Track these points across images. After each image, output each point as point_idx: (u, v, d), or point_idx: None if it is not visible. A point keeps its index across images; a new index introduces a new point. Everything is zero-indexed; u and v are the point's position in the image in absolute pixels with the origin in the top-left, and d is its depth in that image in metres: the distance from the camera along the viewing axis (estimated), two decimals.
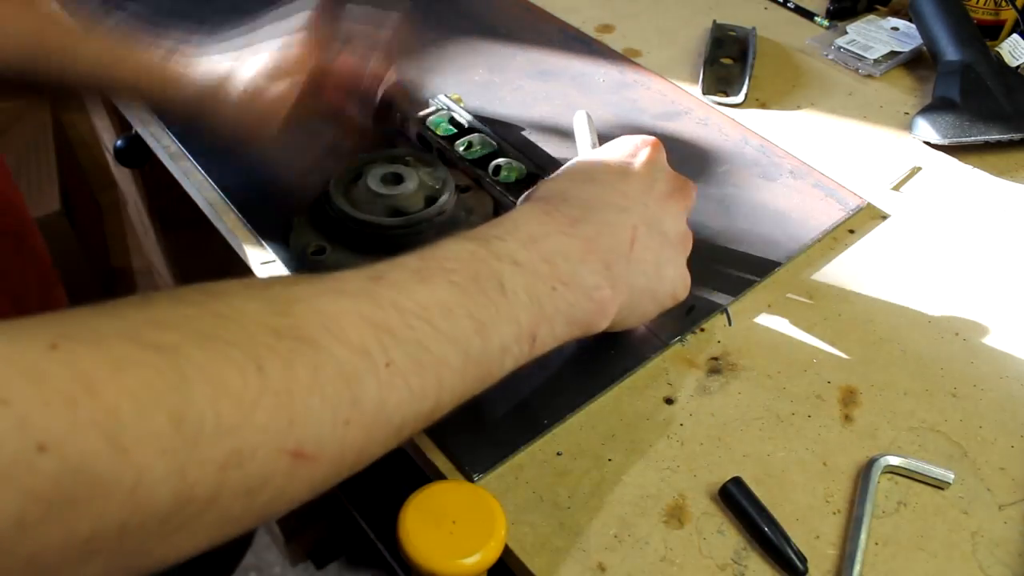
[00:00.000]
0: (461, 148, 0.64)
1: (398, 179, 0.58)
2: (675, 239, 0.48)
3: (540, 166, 0.62)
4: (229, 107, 0.55)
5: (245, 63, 0.56)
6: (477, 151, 0.64)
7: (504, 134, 0.66)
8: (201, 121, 0.56)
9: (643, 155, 0.48)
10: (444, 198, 0.57)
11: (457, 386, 0.37)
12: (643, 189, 0.47)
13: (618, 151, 0.49)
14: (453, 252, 0.39)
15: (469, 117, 0.66)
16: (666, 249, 0.47)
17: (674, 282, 0.49)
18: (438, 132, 0.65)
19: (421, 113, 0.67)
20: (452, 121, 0.67)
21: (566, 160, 0.67)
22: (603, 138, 0.69)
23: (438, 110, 0.68)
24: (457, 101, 0.69)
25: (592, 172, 0.47)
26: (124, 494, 0.24)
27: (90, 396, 0.24)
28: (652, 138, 0.51)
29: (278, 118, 0.56)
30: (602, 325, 0.44)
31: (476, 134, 0.65)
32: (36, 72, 0.54)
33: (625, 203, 0.45)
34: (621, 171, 0.47)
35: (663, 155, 0.50)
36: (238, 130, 0.56)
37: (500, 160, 0.63)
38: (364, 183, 0.58)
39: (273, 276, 0.34)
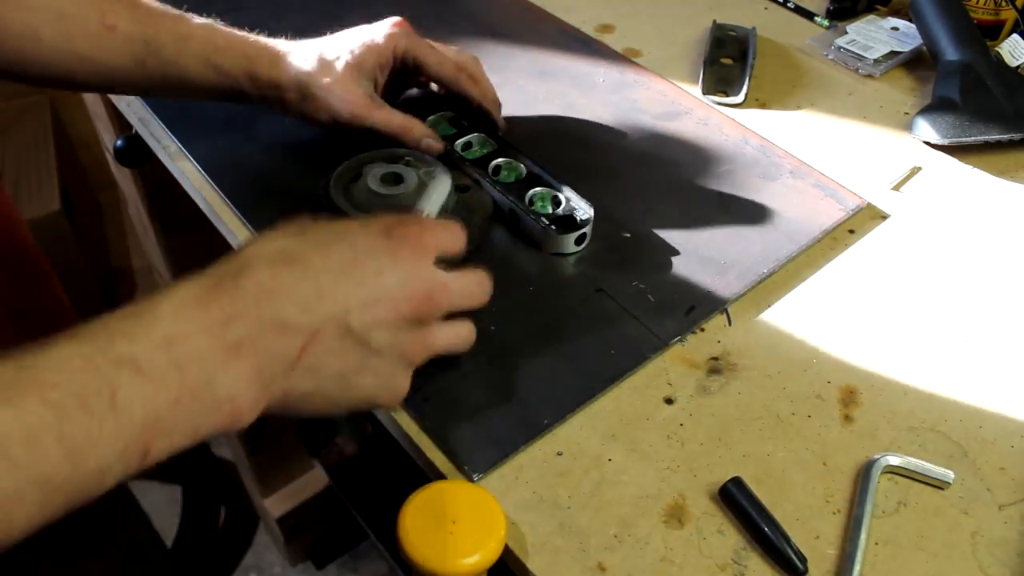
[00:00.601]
0: (461, 148, 0.64)
1: (398, 179, 0.58)
2: (388, 351, 0.42)
3: (540, 166, 0.62)
4: (332, 85, 0.59)
5: (339, 46, 0.60)
6: (477, 151, 0.64)
7: (504, 134, 0.66)
8: (305, 104, 0.60)
9: (387, 252, 0.42)
10: (445, 199, 0.57)
11: (35, 516, 0.32)
12: (356, 292, 0.40)
13: (365, 229, 0.43)
14: (60, 359, 0.33)
15: (473, 127, 0.66)
16: (367, 359, 0.42)
17: (372, 391, 0.43)
18: (438, 132, 0.65)
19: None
20: (452, 121, 0.67)
21: (565, 159, 0.67)
22: (605, 138, 0.70)
23: (440, 112, 0.68)
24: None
25: (306, 250, 0.41)
26: None
27: None
28: (426, 225, 0.44)
29: (370, 103, 0.60)
30: (234, 430, 0.38)
31: (476, 134, 0.65)
32: (147, 65, 0.57)
33: (315, 303, 0.39)
34: (340, 262, 0.41)
35: (424, 255, 0.43)
36: (340, 108, 0.59)
37: (500, 160, 0.63)
38: (363, 183, 0.58)
39: None
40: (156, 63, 0.57)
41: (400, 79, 0.66)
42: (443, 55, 0.63)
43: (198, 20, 0.59)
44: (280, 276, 0.39)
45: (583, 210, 0.59)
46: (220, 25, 0.60)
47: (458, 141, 0.65)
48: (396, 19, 0.63)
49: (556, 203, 0.61)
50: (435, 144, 0.62)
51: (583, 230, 0.59)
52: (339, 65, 0.60)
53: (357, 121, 0.60)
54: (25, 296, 0.63)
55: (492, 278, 0.48)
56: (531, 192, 0.61)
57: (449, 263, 0.46)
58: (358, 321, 0.40)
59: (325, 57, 0.60)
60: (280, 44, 0.61)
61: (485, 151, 0.64)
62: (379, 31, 0.62)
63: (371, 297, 0.40)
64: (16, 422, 0.31)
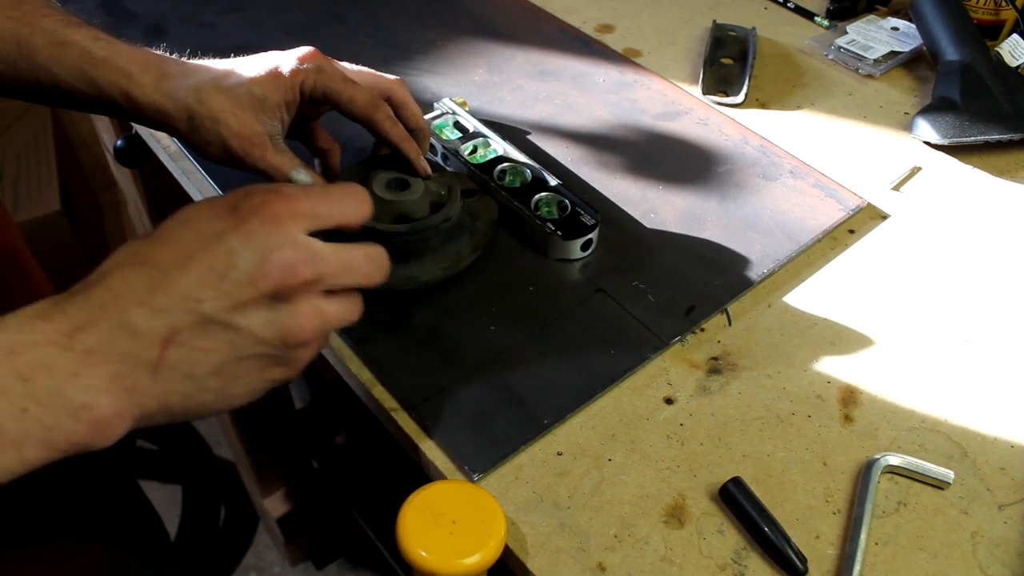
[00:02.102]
0: (466, 152, 0.64)
1: (403, 185, 0.57)
2: (264, 331, 0.39)
3: (545, 170, 0.62)
4: (227, 117, 0.52)
5: (241, 73, 0.53)
6: (481, 156, 0.64)
7: (508, 138, 0.65)
8: (195, 134, 0.53)
9: (234, 228, 0.39)
10: (450, 204, 0.56)
11: None
12: (206, 279, 0.38)
13: (209, 210, 0.40)
14: None
15: (474, 121, 0.66)
16: (244, 346, 0.39)
17: (267, 376, 0.41)
18: (443, 136, 0.65)
19: (425, 117, 0.67)
20: (457, 125, 0.67)
21: (569, 163, 0.67)
22: (605, 138, 0.70)
23: (442, 114, 0.68)
24: (462, 105, 0.69)
25: (155, 248, 0.39)
26: None
27: None
28: (281, 192, 0.40)
29: (265, 142, 0.53)
30: (105, 443, 0.37)
31: (481, 138, 0.65)
32: (18, 68, 0.52)
33: (165, 301, 0.37)
34: (186, 251, 0.38)
35: (280, 224, 0.39)
36: (233, 144, 0.52)
37: (505, 165, 0.63)
38: (369, 188, 0.57)
39: None
40: (28, 67, 0.52)
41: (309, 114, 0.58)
42: (355, 91, 0.54)
43: (83, 26, 0.53)
44: (128, 280, 0.37)
45: (589, 215, 0.59)
46: (106, 34, 0.53)
47: (463, 146, 0.64)
48: (306, 50, 0.55)
49: (562, 208, 0.60)
50: None
51: (589, 236, 0.58)
52: (239, 95, 0.52)
53: (249, 161, 0.53)
54: (4, 295, 0.62)
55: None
56: (536, 197, 0.61)
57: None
58: (214, 308, 0.37)
59: (224, 84, 0.52)
60: (172, 63, 0.53)
61: (490, 155, 0.64)
62: (286, 63, 0.53)
63: (225, 281, 0.38)
64: None
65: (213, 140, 0.52)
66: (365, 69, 0.58)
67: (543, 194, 0.61)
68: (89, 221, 1.62)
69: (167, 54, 0.55)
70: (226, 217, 0.39)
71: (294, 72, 0.53)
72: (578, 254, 0.59)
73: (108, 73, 0.52)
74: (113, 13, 0.82)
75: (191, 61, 0.54)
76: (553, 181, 0.61)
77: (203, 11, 0.82)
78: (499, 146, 0.64)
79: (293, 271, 0.39)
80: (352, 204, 0.43)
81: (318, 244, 0.40)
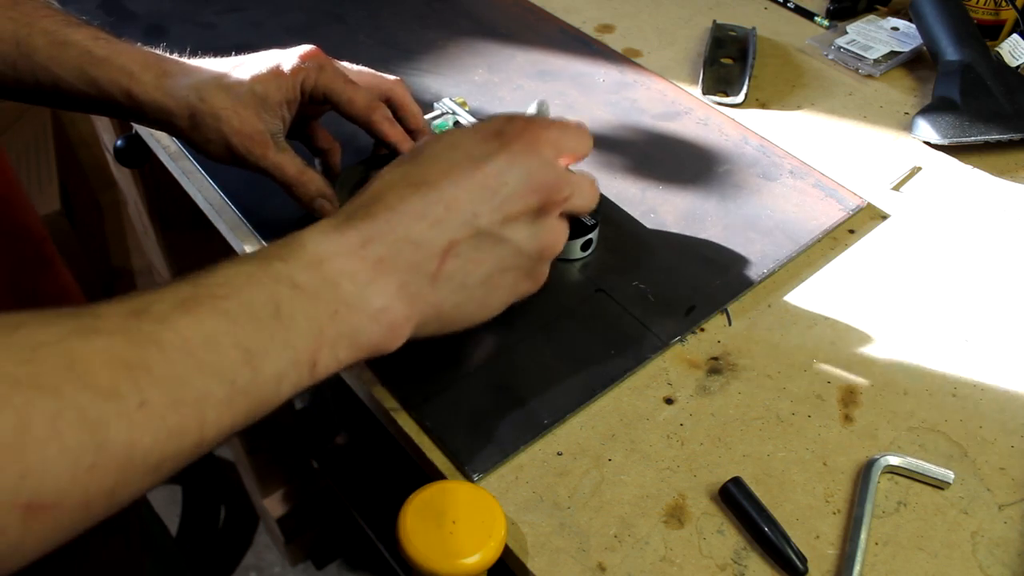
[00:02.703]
0: None
1: None
2: (527, 243, 0.43)
3: None
4: (228, 115, 0.52)
5: (243, 71, 0.53)
6: None
7: None
8: (196, 132, 0.53)
9: (501, 150, 0.42)
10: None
11: (224, 419, 0.34)
12: (481, 196, 0.42)
13: (476, 134, 0.44)
14: (227, 276, 0.36)
15: (474, 121, 0.66)
16: (508, 256, 0.43)
17: (516, 286, 0.45)
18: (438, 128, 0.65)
19: (426, 117, 0.67)
20: (457, 125, 0.67)
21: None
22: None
23: (443, 114, 0.68)
24: (462, 105, 0.69)
25: (426, 169, 0.42)
26: None
27: None
28: (536, 121, 0.44)
29: (267, 140, 0.53)
30: (394, 346, 0.41)
31: None
32: (18, 68, 0.52)
33: (444, 215, 0.41)
34: (460, 171, 0.42)
35: (538, 148, 0.43)
36: (235, 142, 0.53)
37: None
38: None
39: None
40: (27, 68, 0.52)
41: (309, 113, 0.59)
42: (354, 92, 0.54)
43: (83, 26, 0.53)
44: (407, 199, 0.41)
45: (588, 215, 0.59)
46: (106, 33, 0.53)
47: None
48: (308, 48, 0.55)
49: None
50: (328, 207, 0.55)
51: (589, 236, 0.58)
52: (240, 93, 0.53)
53: (251, 159, 0.53)
54: (27, 279, 0.62)
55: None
56: None
57: None
58: (488, 222, 0.42)
59: (225, 82, 0.53)
60: (173, 62, 0.54)
61: None
62: (287, 61, 0.54)
63: (497, 197, 0.42)
64: (196, 328, 0.34)
65: (215, 138, 0.53)
66: (365, 69, 0.59)
67: None
68: (89, 221, 1.62)
69: (167, 53, 0.54)
70: (491, 140, 0.43)
71: (295, 70, 0.53)
72: (578, 254, 0.59)
73: (109, 72, 0.52)
74: (113, 13, 0.82)
75: (191, 60, 0.54)
76: None
77: (203, 11, 0.82)
78: None
79: (556, 189, 0.43)
80: (584, 139, 0.47)
81: (563, 167, 0.45)
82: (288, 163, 0.54)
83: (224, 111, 0.52)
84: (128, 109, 0.53)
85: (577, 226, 0.58)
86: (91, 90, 0.53)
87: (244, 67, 0.53)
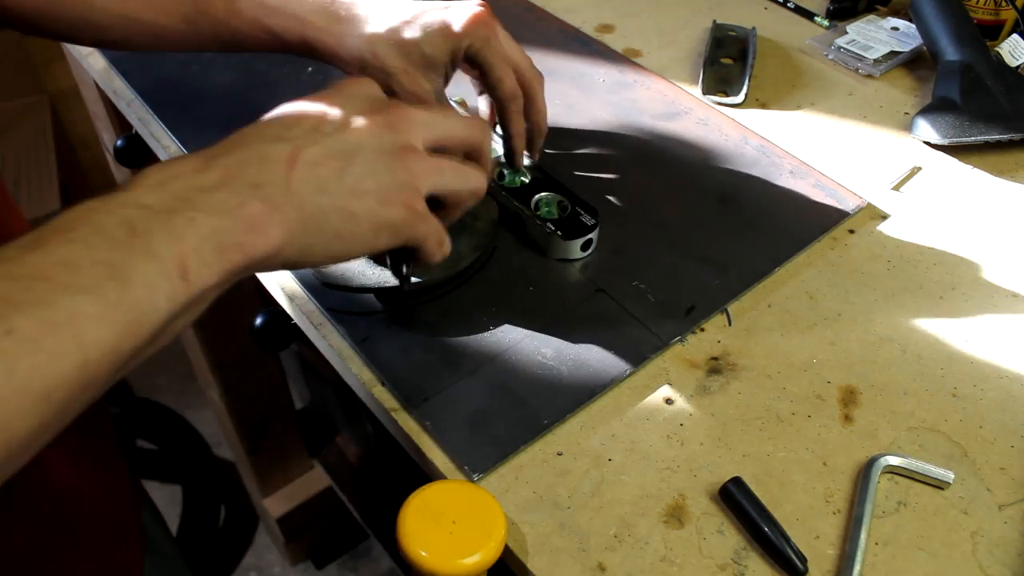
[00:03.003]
0: None
1: None
2: (376, 152, 0.43)
3: (543, 171, 0.62)
4: (399, 75, 0.54)
5: (414, 26, 0.54)
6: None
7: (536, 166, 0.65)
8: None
9: (335, 90, 0.45)
10: None
11: (105, 336, 0.33)
12: (317, 119, 0.43)
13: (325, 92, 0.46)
14: (69, 215, 0.36)
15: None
16: (360, 165, 0.43)
17: (382, 195, 0.44)
18: None
19: None
20: None
21: (565, 160, 0.67)
22: (605, 138, 0.70)
23: None
24: (461, 104, 0.69)
25: (273, 117, 0.44)
26: None
27: None
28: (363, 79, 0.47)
29: (432, 101, 0.55)
30: (262, 244, 0.39)
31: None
32: (198, 25, 0.55)
33: (284, 133, 0.42)
34: (298, 107, 0.44)
35: (370, 86, 0.46)
36: (400, 98, 0.53)
37: (504, 167, 0.63)
38: None
39: None
40: (207, 23, 0.55)
41: None
42: (506, 74, 0.56)
43: None
44: (258, 126, 0.42)
45: (588, 215, 0.59)
46: None
47: None
48: (478, 9, 0.55)
49: (562, 208, 0.60)
50: (520, 159, 0.59)
51: (589, 236, 0.58)
52: (411, 52, 0.54)
53: None
54: None
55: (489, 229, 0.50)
56: (537, 197, 0.61)
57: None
58: (331, 126, 0.42)
59: (397, 38, 0.54)
60: (343, 4, 0.55)
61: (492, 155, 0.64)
62: (459, 17, 0.54)
63: (339, 109, 0.43)
64: (48, 257, 0.33)
65: (387, 91, 0.53)
66: (519, 50, 0.59)
67: (543, 194, 0.61)
68: None
69: None
70: (327, 92, 0.45)
71: (464, 35, 0.54)
72: (578, 254, 0.59)
73: (283, 20, 0.55)
74: None
75: (368, 3, 0.55)
76: (553, 181, 0.61)
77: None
78: (499, 146, 0.64)
79: (399, 110, 0.44)
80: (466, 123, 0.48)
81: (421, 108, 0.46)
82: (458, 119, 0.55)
83: (395, 69, 0.54)
84: (306, 54, 0.56)
85: (577, 226, 0.58)
86: (270, 38, 0.55)
87: (415, 23, 0.54)
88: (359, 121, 0.43)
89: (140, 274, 0.35)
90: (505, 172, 0.62)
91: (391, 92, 0.54)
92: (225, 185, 0.39)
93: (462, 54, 0.55)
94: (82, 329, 0.33)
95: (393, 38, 0.54)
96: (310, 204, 0.41)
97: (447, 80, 0.57)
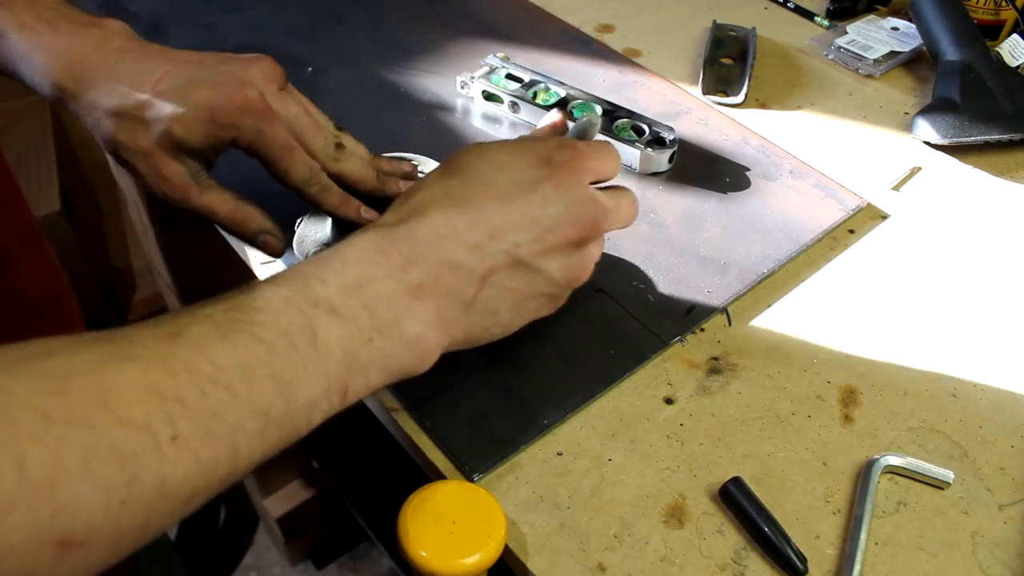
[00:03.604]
0: (531, 98, 0.69)
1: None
2: (558, 273, 0.44)
3: (611, 103, 0.68)
4: (142, 157, 0.48)
5: (171, 97, 0.48)
6: (545, 100, 0.69)
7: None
8: (116, 157, 0.50)
9: (547, 180, 0.42)
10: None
11: (256, 449, 0.34)
12: (524, 225, 0.41)
13: (524, 158, 0.43)
14: (265, 300, 0.36)
15: (527, 70, 0.71)
16: (539, 285, 0.44)
17: (540, 310, 0.46)
18: (505, 87, 0.70)
19: (477, 73, 0.71)
20: (510, 77, 0.71)
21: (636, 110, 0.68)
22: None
23: (493, 69, 0.72)
24: (505, 59, 0.73)
25: (471, 189, 0.42)
26: None
27: None
28: (581, 150, 0.44)
29: (187, 183, 0.50)
30: (422, 369, 0.41)
31: (541, 83, 0.70)
32: None
33: (486, 242, 0.41)
34: (505, 196, 0.41)
35: (582, 179, 0.44)
36: (153, 185, 0.49)
37: (576, 102, 0.68)
38: None
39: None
40: None
41: None
42: (291, 162, 0.50)
43: (17, 9, 0.49)
44: (451, 221, 0.40)
45: (667, 132, 0.66)
46: (35, 17, 0.49)
47: (528, 92, 0.69)
48: (252, 97, 0.48)
49: (638, 132, 0.67)
50: (273, 242, 0.53)
51: (673, 149, 0.65)
52: (157, 132, 0.47)
53: (173, 203, 0.50)
54: (23, 280, 0.62)
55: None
56: (617, 123, 0.67)
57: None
58: (528, 252, 0.42)
59: (144, 115, 0.47)
60: (97, 65, 0.48)
61: (554, 98, 0.69)
62: (224, 110, 0.47)
63: (539, 227, 0.42)
64: (231, 356, 0.33)
65: (133, 172, 0.50)
66: (304, 115, 0.52)
67: (621, 120, 0.67)
68: (89, 221, 1.62)
69: (107, 31, 0.49)
70: (539, 168, 0.43)
71: (228, 126, 0.48)
72: (665, 166, 0.66)
73: (30, 72, 0.49)
74: (113, 13, 0.82)
75: (119, 61, 0.49)
76: (623, 109, 0.68)
77: (203, 11, 0.82)
78: (560, 89, 0.70)
79: (595, 223, 0.44)
80: (615, 162, 0.48)
81: (604, 196, 0.46)
82: (216, 202, 0.50)
83: (139, 151, 0.48)
84: (62, 107, 0.50)
85: (661, 142, 0.65)
86: (26, 83, 0.50)
87: (172, 96, 0.48)
88: (555, 243, 0.43)
89: (306, 392, 0.35)
90: (575, 109, 0.68)
91: (138, 173, 0.49)
92: (411, 307, 0.39)
93: (227, 144, 0.49)
94: (239, 443, 0.33)
95: (141, 115, 0.48)
96: (479, 325, 0.43)
97: (214, 162, 0.51)
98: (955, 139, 0.68)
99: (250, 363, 0.34)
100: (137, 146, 0.48)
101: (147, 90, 0.48)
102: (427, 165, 0.60)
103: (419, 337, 0.39)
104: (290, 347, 0.35)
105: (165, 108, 0.47)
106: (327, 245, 0.55)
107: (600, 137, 0.66)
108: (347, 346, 0.37)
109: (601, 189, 0.47)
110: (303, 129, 0.51)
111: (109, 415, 0.29)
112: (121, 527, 0.29)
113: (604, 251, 0.59)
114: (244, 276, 0.58)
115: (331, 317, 0.37)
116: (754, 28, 0.81)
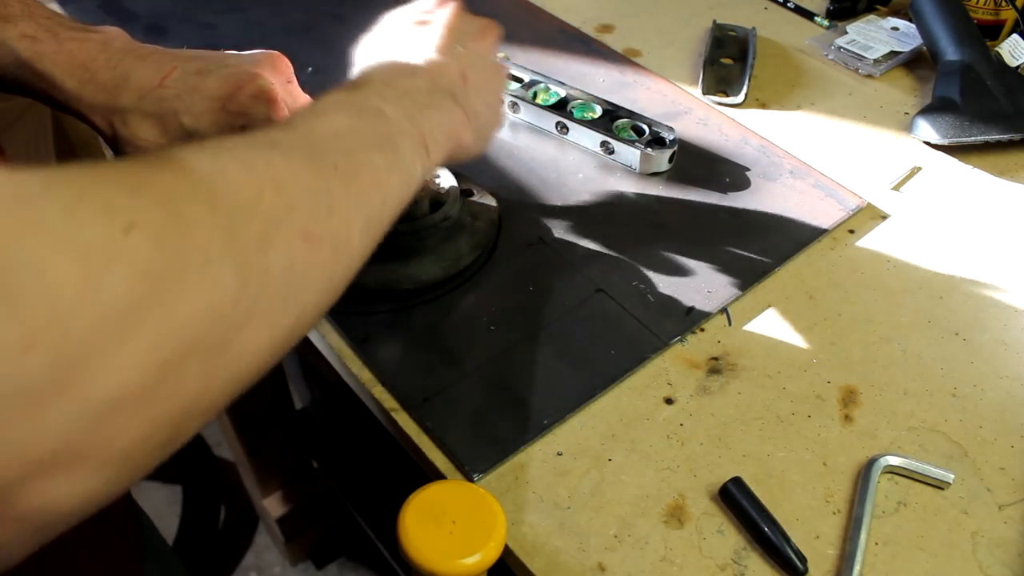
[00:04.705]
0: (531, 98, 0.69)
1: None
2: (494, 70, 0.51)
3: (610, 103, 0.68)
4: (148, 147, 0.49)
5: (178, 89, 0.49)
6: (544, 100, 0.69)
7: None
8: (119, 152, 0.50)
9: (441, 15, 0.50)
10: (449, 203, 0.57)
11: (392, 184, 0.39)
12: (454, 38, 0.49)
13: (416, 13, 0.51)
14: (327, 101, 0.40)
15: (527, 71, 0.71)
16: (490, 80, 0.50)
17: (499, 104, 0.52)
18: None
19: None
20: (510, 76, 0.71)
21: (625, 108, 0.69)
22: None
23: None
24: (505, 59, 0.73)
25: (401, 44, 0.49)
26: (196, 273, 0.26)
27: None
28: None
29: None
30: (467, 139, 0.47)
31: (541, 83, 0.70)
32: None
33: (445, 54, 0.48)
34: (430, 31, 0.49)
35: (457, 8, 0.51)
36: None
37: (575, 102, 0.68)
38: None
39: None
40: None
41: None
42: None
43: (14, 21, 0.49)
44: (402, 64, 0.47)
45: (667, 132, 0.66)
46: (35, 27, 0.49)
47: (528, 91, 0.69)
48: (261, 86, 0.50)
49: (638, 132, 0.67)
50: None
51: (673, 149, 0.65)
52: (168, 124, 0.49)
53: None
54: None
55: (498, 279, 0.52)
56: (616, 124, 0.67)
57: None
58: (472, 55, 0.49)
59: (153, 109, 0.49)
60: (104, 66, 0.49)
61: (554, 98, 0.69)
62: (234, 101, 0.49)
63: (467, 38, 0.50)
64: (333, 123, 0.38)
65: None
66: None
67: (622, 120, 0.67)
68: None
69: (107, 36, 0.51)
70: (431, 13, 0.51)
71: (239, 115, 0.49)
72: (665, 166, 0.66)
73: (32, 77, 0.49)
74: (113, 13, 0.82)
75: (124, 60, 0.50)
76: (623, 109, 0.68)
77: (203, 11, 0.82)
78: (560, 89, 0.70)
79: (491, 28, 0.52)
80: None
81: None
82: None
83: (146, 143, 0.49)
84: (63, 111, 0.52)
85: (661, 142, 0.66)
86: (26, 89, 0.50)
87: (182, 89, 0.49)
88: (479, 44, 0.50)
89: (403, 144, 0.41)
90: (575, 109, 0.68)
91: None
92: (434, 91, 0.45)
93: (236, 128, 0.50)
94: (378, 175, 0.38)
95: (148, 108, 0.48)
96: (479, 112, 0.48)
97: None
98: (955, 139, 0.68)
99: (351, 125, 0.39)
100: (148, 141, 0.49)
101: (156, 85, 0.49)
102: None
103: (451, 109, 0.46)
104: (369, 120, 0.40)
105: (175, 101, 0.49)
106: None
107: (592, 135, 0.66)
108: (409, 117, 0.42)
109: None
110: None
111: (349, 158, 0.37)
112: (337, 233, 0.35)
113: (604, 251, 0.60)
114: None
115: (384, 103, 0.42)
116: (754, 28, 0.81)
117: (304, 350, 0.51)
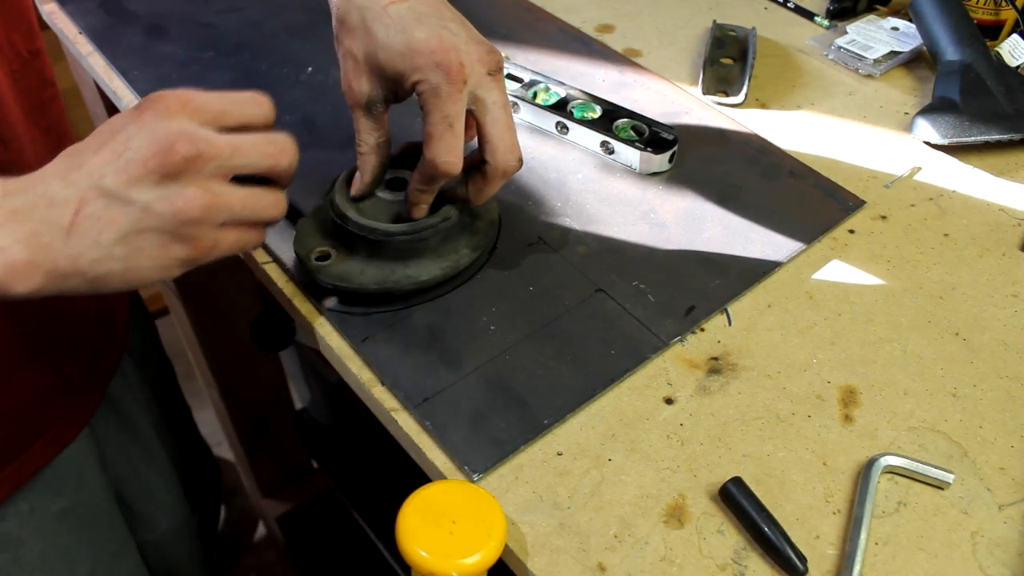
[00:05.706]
0: (531, 98, 0.69)
1: (403, 184, 0.57)
2: (157, 205, 0.44)
3: (611, 103, 0.68)
4: (344, 61, 0.53)
5: (406, 27, 0.51)
6: (544, 100, 0.69)
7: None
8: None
9: (134, 119, 0.45)
10: (449, 204, 0.57)
11: None
12: (108, 159, 0.44)
13: (127, 112, 0.46)
14: None
15: (527, 71, 0.71)
16: (141, 219, 0.44)
17: (165, 252, 0.46)
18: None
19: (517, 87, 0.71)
20: (510, 77, 0.71)
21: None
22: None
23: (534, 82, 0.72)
24: (505, 59, 0.73)
25: (82, 145, 0.46)
26: None
27: None
28: (181, 91, 0.46)
29: (358, 103, 0.54)
30: (17, 287, 0.43)
31: (541, 83, 0.70)
32: None
33: (76, 176, 0.44)
34: (100, 141, 0.45)
35: (173, 114, 0.45)
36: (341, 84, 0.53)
37: (576, 103, 0.68)
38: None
39: None
40: None
41: None
42: (443, 135, 0.51)
43: None
44: (56, 164, 0.45)
45: (667, 132, 0.66)
46: None
47: (528, 91, 0.69)
48: (477, 53, 0.51)
49: (639, 132, 0.67)
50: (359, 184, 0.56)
51: (673, 149, 0.65)
52: (369, 50, 0.51)
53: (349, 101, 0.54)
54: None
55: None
56: (617, 124, 0.67)
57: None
58: (113, 183, 0.44)
59: (370, 25, 0.51)
60: None
61: (554, 98, 0.69)
62: (440, 49, 0.50)
63: (121, 160, 0.44)
64: None
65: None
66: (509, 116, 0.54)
67: (619, 121, 0.67)
68: None
69: None
70: (131, 113, 0.45)
71: (416, 69, 0.50)
72: (665, 166, 0.66)
73: None
74: (113, 13, 0.82)
75: None
76: (623, 109, 0.68)
77: (203, 11, 0.82)
78: (560, 89, 0.70)
79: (172, 149, 0.44)
80: (253, 106, 0.48)
81: (208, 131, 0.45)
82: (363, 131, 0.54)
83: (344, 58, 0.53)
84: None
85: (661, 142, 0.65)
86: None
87: (396, 22, 0.50)
88: (137, 173, 0.44)
89: None
90: (575, 109, 0.68)
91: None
92: (6, 225, 0.43)
93: (409, 90, 0.52)
94: None
95: (367, 25, 0.51)
96: (86, 256, 0.44)
97: (400, 97, 0.54)
98: (955, 139, 0.68)
99: None
100: (347, 54, 0.53)
101: (384, 3, 0.51)
102: None
103: (3, 248, 0.42)
104: None
105: (384, 32, 0.51)
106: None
107: (592, 135, 0.66)
108: None
109: (254, 134, 0.47)
110: (493, 121, 0.53)
111: None
112: None
113: (604, 251, 0.60)
114: (245, 275, 0.58)
115: None
116: (754, 28, 0.81)
117: (304, 350, 0.51)
